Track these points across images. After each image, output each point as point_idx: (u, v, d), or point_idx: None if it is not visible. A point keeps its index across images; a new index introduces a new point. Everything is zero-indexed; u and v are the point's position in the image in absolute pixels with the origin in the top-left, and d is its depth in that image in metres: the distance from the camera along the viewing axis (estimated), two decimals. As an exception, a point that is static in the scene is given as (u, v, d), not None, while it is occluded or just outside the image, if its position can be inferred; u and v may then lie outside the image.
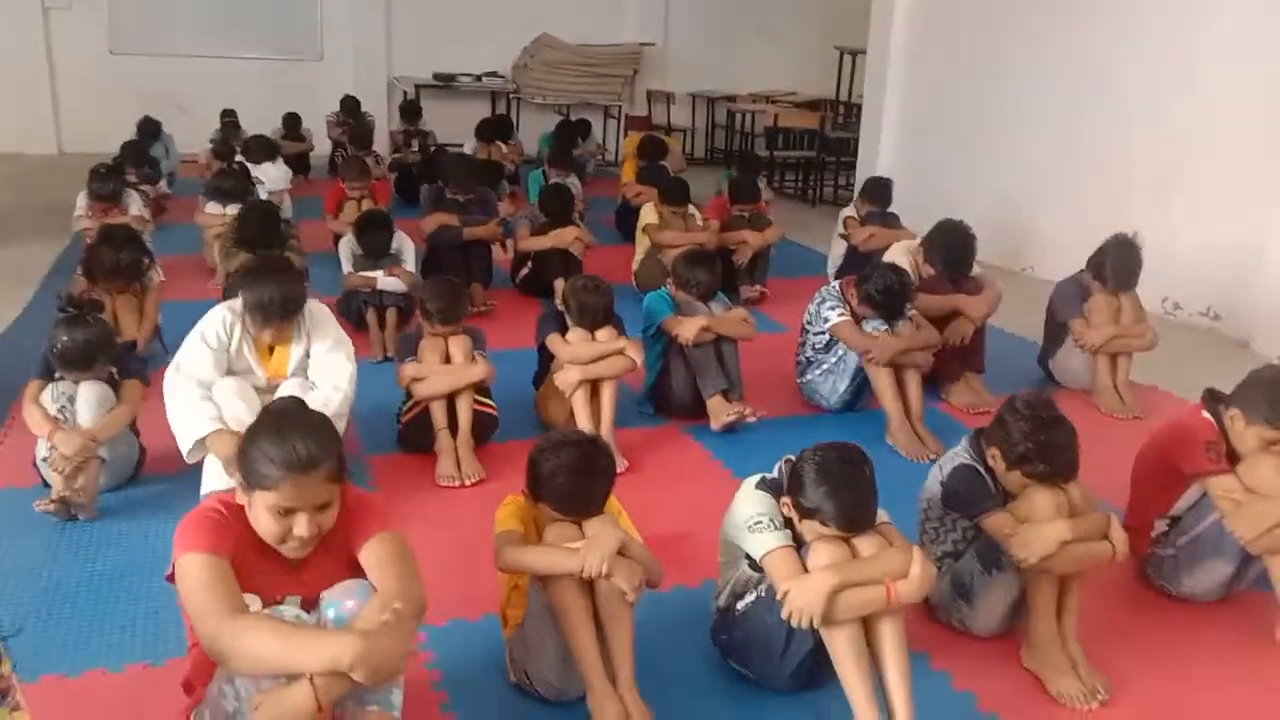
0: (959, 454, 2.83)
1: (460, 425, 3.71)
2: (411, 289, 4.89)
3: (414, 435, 3.81)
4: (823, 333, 4.39)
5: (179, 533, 2.01)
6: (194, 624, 1.96)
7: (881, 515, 2.47)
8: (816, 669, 2.45)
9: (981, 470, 2.76)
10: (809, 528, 2.38)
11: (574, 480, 2.40)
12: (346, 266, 5.18)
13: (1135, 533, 3.15)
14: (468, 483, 3.61)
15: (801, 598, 2.29)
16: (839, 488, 2.32)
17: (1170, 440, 3.12)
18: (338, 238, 5.68)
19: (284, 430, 2.00)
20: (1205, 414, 3.05)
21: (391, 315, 5.02)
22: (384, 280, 5.02)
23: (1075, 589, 2.69)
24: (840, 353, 4.34)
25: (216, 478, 3.23)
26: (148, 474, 3.60)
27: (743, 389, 4.28)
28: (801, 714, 2.50)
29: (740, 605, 2.53)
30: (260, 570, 2.04)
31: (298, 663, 1.86)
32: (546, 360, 4.11)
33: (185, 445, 3.25)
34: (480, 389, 3.84)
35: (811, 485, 2.34)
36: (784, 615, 2.32)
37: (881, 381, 4.18)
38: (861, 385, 4.34)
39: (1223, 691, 2.68)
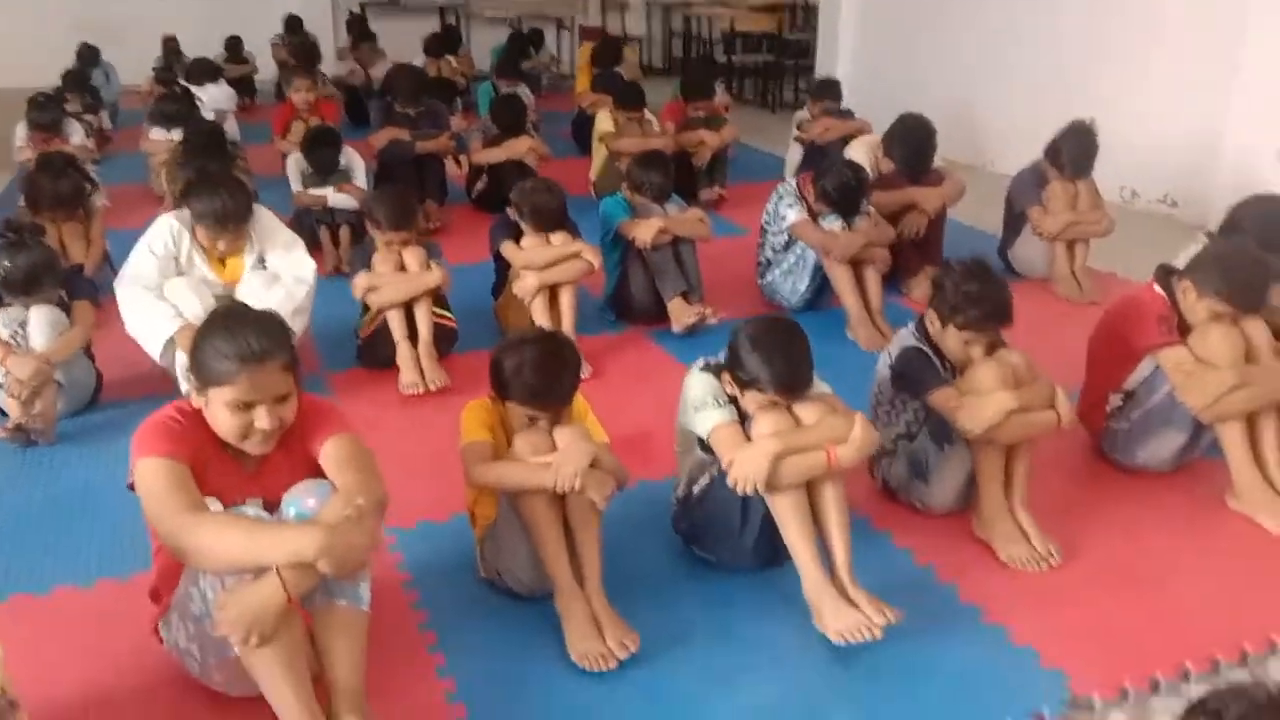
0: (906, 337, 2.88)
1: (420, 334, 3.69)
2: (363, 204, 4.82)
3: (374, 350, 3.79)
4: (782, 232, 4.38)
5: (136, 439, 2.01)
6: (155, 525, 1.97)
7: (824, 388, 2.53)
8: (774, 546, 2.49)
9: (928, 350, 2.81)
10: (750, 399, 2.43)
11: (539, 374, 2.37)
12: (296, 185, 5.09)
13: (1090, 409, 3.23)
14: (432, 388, 3.61)
15: (746, 466, 2.34)
16: (773, 353, 2.38)
17: (1123, 316, 3.17)
18: (286, 161, 5.58)
19: (234, 327, 2.00)
20: (1157, 289, 3.10)
21: (345, 233, 4.96)
22: (334, 197, 4.96)
23: (1024, 460, 2.75)
24: (799, 252, 4.35)
25: None
26: (105, 399, 3.57)
27: (703, 291, 4.28)
28: (763, 593, 2.55)
29: (696, 489, 2.58)
30: (219, 474, 2.04)
31: (261, 555, 1.87)
32: (503, 269, 4.09)
33: (155, 349, 3.29)
34: (438, 301, 3.81)
35: (747, 355, 2.40)
36: (730, 484, 2.37)
37: (841, 278, 4.19)
38: (822, 284, 4.35)
39: (1174, 554, 2.76)
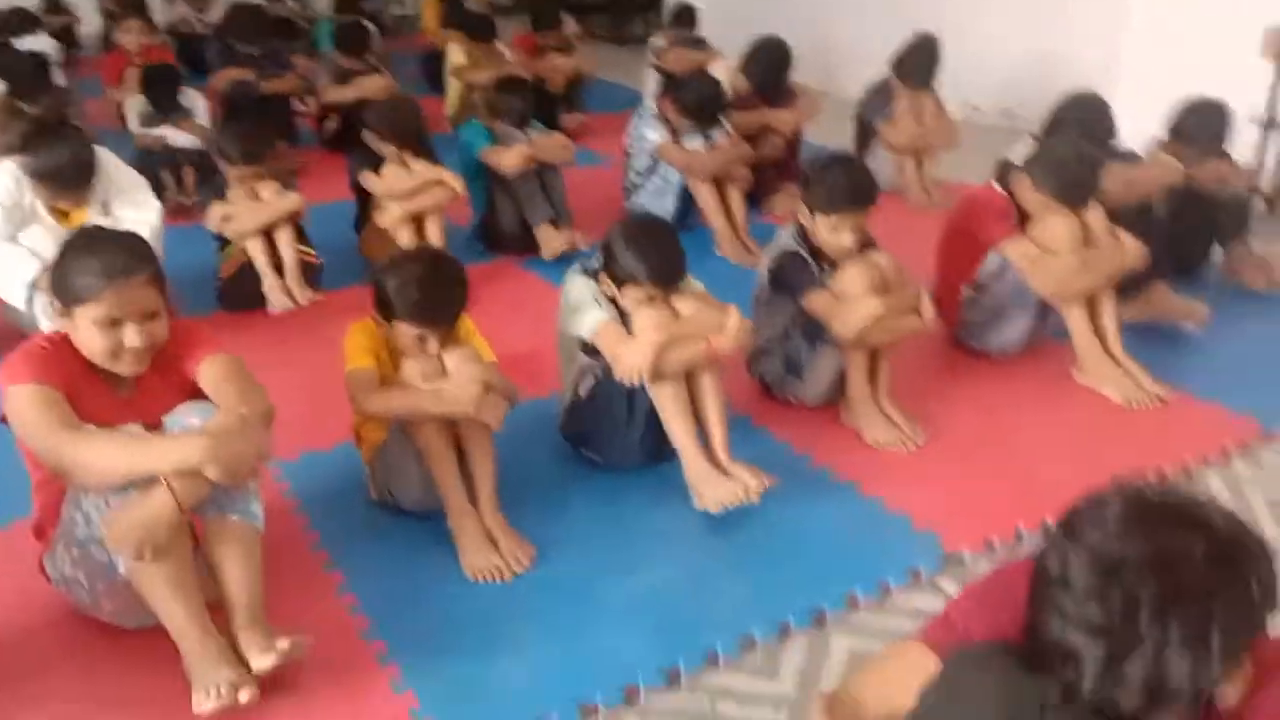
0: (785, 240, 2.97)
1: (285, 260, 3.62)
2: (209, 142, 4.64)
3: (237, 288, 3.68)
4: (645, 154, 4.44)
5: (3, 369, 1.93)
6: (34, 449, 1.91)
7: (698, 286, 2.62)
8: (658, 441, 2.59)
9: (805, 253, 2.91)
10: (629, 295, 2.50)
11: (425, 289, 2.34)
12: (135, 125, 4.85)
13: (944, 304, 3.40)
14: (303, 303, 3.54)
15: (631, 357, 2.42)
16: (647, 247, 2.48)
17: (967, 214, 3.35)
18: (122, 111, 5.32)
19: (95, 245, 1.94)
20: (997, 187, 3.29)
21: (189, 174, 4.76)
22: (177, 136, 4.75)
23: (887, 360, 2.91)
24: (664, 173, 4.41)
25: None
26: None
27: (571, 217, 4.30)
28: (651, 487, 2.64)
29: (583, 392, 2.63)
30: (93, 400, 1.97)
31: (147, 465, 1.83)
32: (365, 202, 4.01)
33: (18, 294, 3.13)
34: (299, 237, 3.72)
35: (622, 252, 2.48)
36: (618, 377, 2.44)
37: (705, 197, 4.29)
38: (688, 204, 4.43)
39: (1029, 427, 2.97)
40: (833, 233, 2.84)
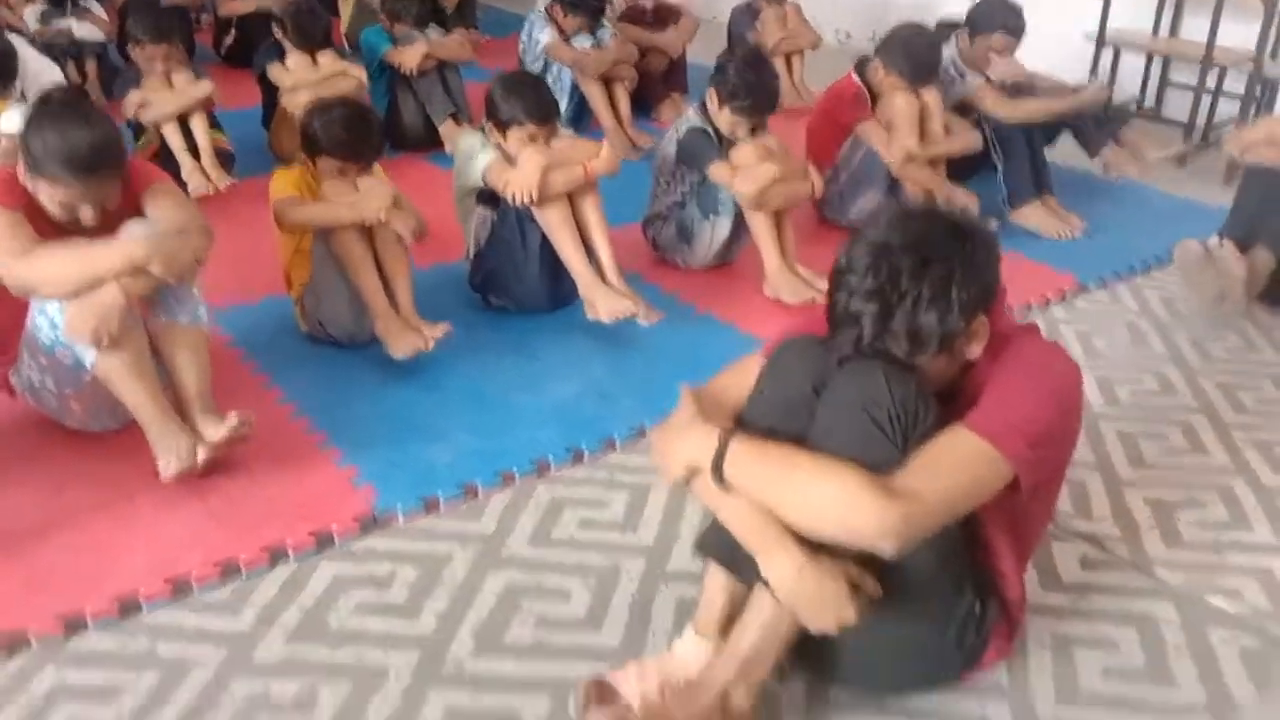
0: (691, 118, 3.31)
1: (200, 144, 3.82)
2: (109, 34, 4.75)
3: (153, 174, 3.85)
4: (538, 58, 4.73)
5: None
6: None
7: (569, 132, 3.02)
8: (557, 283, 2.96)
9: (709, 131, 3.26)
10: (513, 138, 2.84)
11: (349, 127, 2.69)
12: (34, 24, 4.89)
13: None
14: (221, 188, 3.75)
15: (520, 180, 2.77)
16: (524, 90, 2.86)
17: (828, 101, 3.79)
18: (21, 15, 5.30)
19: (70, 131, 2.05)
20: (854, 77, 3.72)
21: (91, 67, 4.86)
22: (79, 27, 4.84)
23: (788, 226, 3.28)
24: (556, 73, 4.70)
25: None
26: None
27: (471, 112, 4.56)
28: (557, 327, 2.99)
29: (482, 240, 2.97)
30: (51, 231, 2.15)
31: (97, 266, 2.05)
32: (273, 97, 4.21)
33: None
34: (212, 124, 3.91)
35: (502, 100, 2.84)
36: (508, 196, 2.79)
37: (594, 94, 4.61)
38: (580, 104, 4.73)
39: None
40: (731, 125, 3.21)
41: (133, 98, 3.77)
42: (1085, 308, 3.31)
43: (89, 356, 2.13)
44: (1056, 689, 1.77)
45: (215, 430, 2.19)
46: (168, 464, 2.15)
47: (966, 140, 3.75)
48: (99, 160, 2.09)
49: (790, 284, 3.18)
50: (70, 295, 2.08)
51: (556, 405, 2.61)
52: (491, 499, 2.25)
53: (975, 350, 1.51)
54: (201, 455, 2.15)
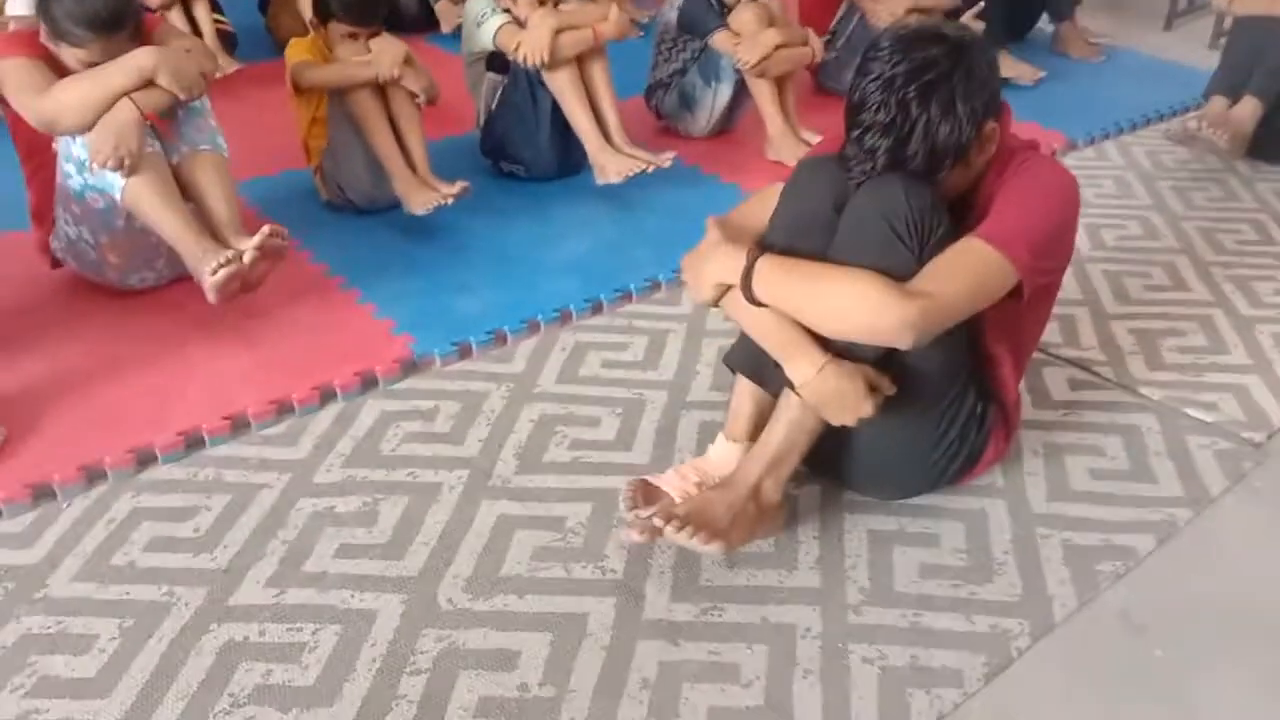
0: None
1: (203, 30, 3.85)
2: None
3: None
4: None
5: None
6: (20, 109, 2.19)
7: None
8: (567, 149, 3.06)
9: None
10: (523, 4, 2.91)
11: None
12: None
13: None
14: (228, 71, 3.81)
15: (531, 42, 2.85)
16: None
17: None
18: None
19: None
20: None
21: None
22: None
23: (790, 91, 3.37)
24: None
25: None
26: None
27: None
28: (569, 191, 3.11)
29: (494, 105, 3.06)
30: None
31: (110, 83, 2.16)
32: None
33: None
34: (215, 8, 3.94)
35: None
36: (519, 58, 2.87)
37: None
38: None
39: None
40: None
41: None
42: (1074, 164, 3.42)
43: (116, 186, 2.21)
44: (1048, 488, 1.95)
45: (251, 240, 2.22)
46: (214, 271, 2.15)
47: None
48: (118, 17, 2.18)
49: (792, 146, 3.27)
50: (90, 121, 2.16)
51: (574, 261, 2.74)
52: (520, 344, 2.39)
53: (989, 152, 1.64)
54: (248, 257, 2.17)
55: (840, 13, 3.75)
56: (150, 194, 2.22)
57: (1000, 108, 1.66)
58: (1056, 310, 2.46)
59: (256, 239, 2.21)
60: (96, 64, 2.19)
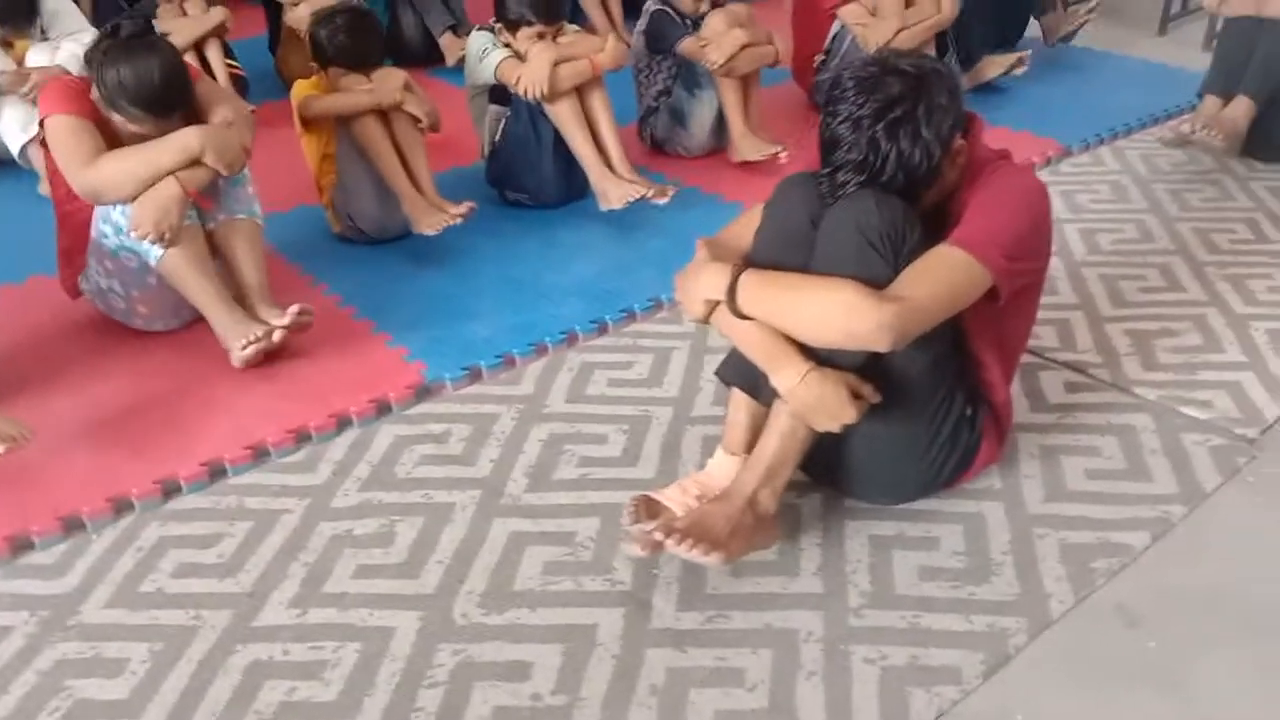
0: (650, 5, 3.47)
1: (217, 74, 3.94)
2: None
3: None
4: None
5: (43, 99, 2.31)
6: (66, 174, 2.29)
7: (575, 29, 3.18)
8: (570, 178, 3.15)
9: (670, 11, 3.42)
10: (522, 37, 3.00)
11: (352, 34, 2.89)
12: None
13: (801, 70, 3.99)
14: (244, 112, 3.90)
15: (531, 75, 2.94)
16: None
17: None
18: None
19: (143, 71, 2.20)
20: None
21: None
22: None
23: (754, 91, 3.46)
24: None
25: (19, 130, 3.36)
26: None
27: (468, 24, 4.66)
28: (572, 216, 3.20)
29: (498, 137, 3.15)
30: (118, 141, 2.32)
31: (157, 162, 2.25)
32: (277, 18, 4.34)
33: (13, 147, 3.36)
34: (227, 53, 4.05)
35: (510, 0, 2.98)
36: (520, 91, 2.96)
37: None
38: (574, 6, 4.84)
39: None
40: (692, 2, 3.37)
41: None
42: (1069, 170, 3.49)
43: (154, 254, 2.32)
44: (1045, 489, 2.00)
45: (281, 319, 2.38)
46: (244, 347, 2.32)
47: (946, 15, 3.83)
48: (172, 101, 2.28)
49: (753, 144, 3.38)
50: (133, 196, 2.26)
51: (579, 283, 2.81)
52: (528, 367, 2.46)
53: (960, 165, 1.72)
54: (277, 336, 2.34)
55: (833, 32, 3.83)
56: (185, 265, 2.32)
57: (969, 123, 1.73)
58: (1052, 314, 2.54)
59: (287, 319, 2.35)
60: (147, 136, 2.28)
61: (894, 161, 1.63)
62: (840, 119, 1.65)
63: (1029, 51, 4.13)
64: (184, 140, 2.27)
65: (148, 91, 2.22)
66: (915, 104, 1.62)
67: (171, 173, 2.26)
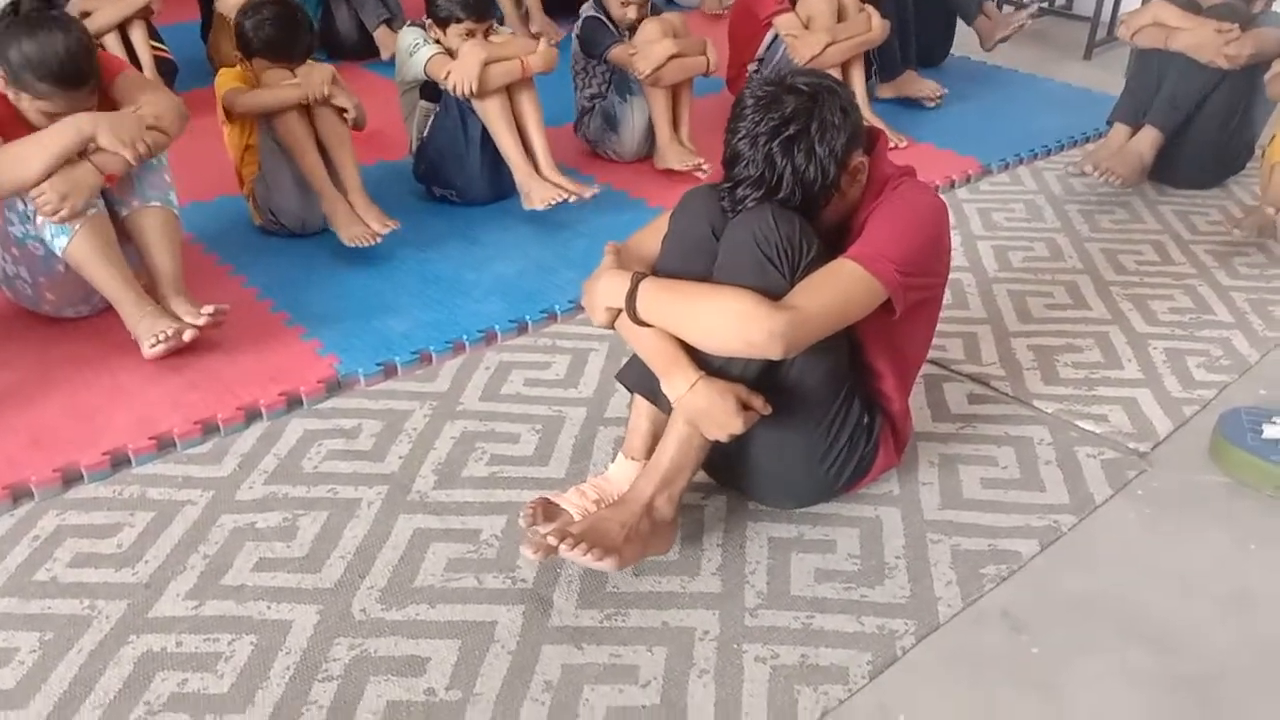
0: (587, 9, 3.50)
1: (141, 58, 3.87)
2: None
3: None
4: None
5: None
6: None
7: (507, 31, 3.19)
8: (497, 176, 3.16)
9: (604, 19, 3.45)
10: (452, 34, 3.01)
11: (279, 26, 2.84)
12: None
13: (735, 78, 4.03)
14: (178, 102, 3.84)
15: (461, 72, 2.94)
16: None
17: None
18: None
19: (47, 42, 2.15)
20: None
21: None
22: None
23: (686, 103, 3.50)
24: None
25: None
26: None
27: (404, 18, 4.65)
28: (497, 215, 3.20)
29: (426, 132, 3.14)
30: (28, 129, 2.27)
31: (51, 147, 2.18)
32: (208, 5, 4.27)
33: None
34: (153, 35, 3.98)
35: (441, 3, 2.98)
36: (449, 88, 2.96)
37: None
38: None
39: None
40: (620, 7, 3.40)
41: (75, 5, 3.82)
42: (987, 189, 3.58)
43: (59, 243, 2.28)
44: (941, 497, 2.05)
45: (194, 316, 2.36)
46: (154, 343, 2.30)
47: (877, 32, 3.91)
48: (80, 72, 2.21)
49: (678, 153, 3.43)
50: (30, 182, 2.20)
51: (501, 282, 2.82)
52: (444, 364, 2.47)
53: (861, 182, 1.77)
54: (188, 335, 2.31)
55: (767, 40, 3.88)
56: (93, 253, 2.28)
57: (874, 140, 1.77)
58: (959, 328, 2.61)
59: (202, 320, 2.33)
60: (58, 114, 2.23)
61: (790, 177, 1.67)
62: (739, 135, 1.69)
63: (946, 91, 4.24)
64: (75, 122, 2.21)
65: (54, 63, 2.16)
66: (809, 121, 1.66)
67: (65, 157, 2.20)
